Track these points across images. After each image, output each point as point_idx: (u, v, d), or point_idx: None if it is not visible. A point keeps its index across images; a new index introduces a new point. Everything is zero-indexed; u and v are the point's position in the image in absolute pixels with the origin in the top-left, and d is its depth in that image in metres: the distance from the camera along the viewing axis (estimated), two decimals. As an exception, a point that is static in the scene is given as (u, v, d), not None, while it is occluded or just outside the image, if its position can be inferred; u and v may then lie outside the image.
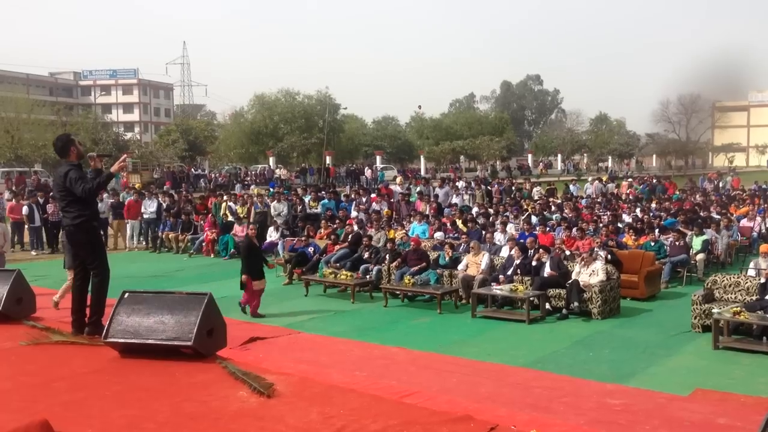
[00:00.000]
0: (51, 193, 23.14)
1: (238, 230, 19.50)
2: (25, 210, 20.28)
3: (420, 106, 77.32)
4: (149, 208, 20.89)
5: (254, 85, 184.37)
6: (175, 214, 21.10)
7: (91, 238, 6.89)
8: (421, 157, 64.78)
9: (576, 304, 11.57)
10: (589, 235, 15.82)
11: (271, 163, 55.34)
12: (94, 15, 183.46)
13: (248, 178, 50.40)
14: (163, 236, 20.58)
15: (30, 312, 7.59)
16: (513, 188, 29.97)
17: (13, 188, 28.68)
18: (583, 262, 12.30)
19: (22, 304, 7.47)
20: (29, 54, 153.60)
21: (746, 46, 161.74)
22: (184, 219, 20.75)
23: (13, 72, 78.84)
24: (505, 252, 14.29)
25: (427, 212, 20.58)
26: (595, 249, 13.64)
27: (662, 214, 20.44)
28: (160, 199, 22.29)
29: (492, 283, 12.50)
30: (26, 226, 20.70)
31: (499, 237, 16.25)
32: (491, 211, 21.26)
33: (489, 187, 30.23)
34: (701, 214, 19.79)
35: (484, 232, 16.37)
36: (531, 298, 11.62)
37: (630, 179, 37.65)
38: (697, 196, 27.16)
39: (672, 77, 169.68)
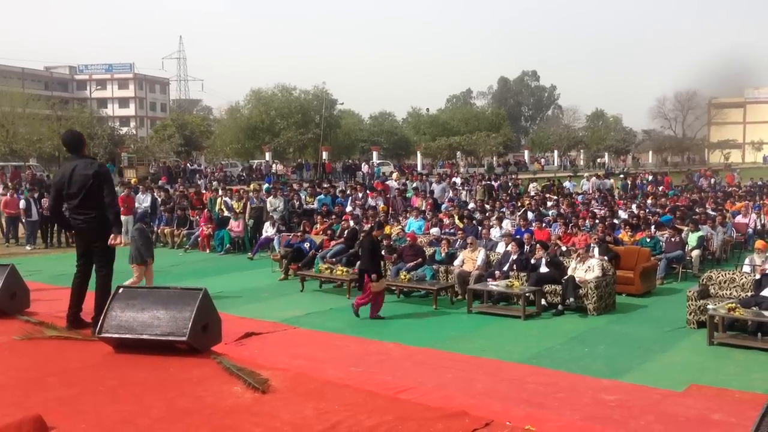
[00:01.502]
0: (46, 188, 23.09)
1: (234, 225, 19.49)
2: (22, 204, 20.24)
3: (428, 109, 78.76)
4: (143, 203, 20.84)
5: (251, 80, 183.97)
6: (170, 209, 21.06)
7: (106, 235, 6.90)
8: (418, 152, 64.75)
9: (572, 299, 11.58)
10: (585, 231, 15.84)
11: (267, 158, 55.26)
12: (90, 8, 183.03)
13: (244, 174, 50.54)
14: (159, 231, 20.54)
15: (24, 307, 7.56)
16: (510, 184, 30.02)
17: (8, 183, 28.64)
18: (578, 258, 12.32)
19: (15, 299, 7.44)
20: (24, 48, 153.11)
21: (747, 44, 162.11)
22: (179, 214, 20.71)
23: (8, 66, 78.60)
24: (501, 248, 14.30)
25: (423, 208, 20.58)
26: (591, 245, 13.67)
27: (658, 210, 20.50)
28: (155, 194, 22.23)
29: (488, 279, 12.50)
30: (23, 220, 20.65)
31: (495, 233, 16.25)
32: (488, 206, 21.29)
33: (490, 182, 30.26)
34: (697, 210, 19.84)
35: (480, 228, 16.37)
36: (527, 294, 11.61)
37: (622, 175, 37.74)
38: (693, 192, 27.26)
39: (671, 74, 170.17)
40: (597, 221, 17.18)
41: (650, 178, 35.41)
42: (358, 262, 12.27)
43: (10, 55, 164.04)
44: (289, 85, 59.68)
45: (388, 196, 24.04)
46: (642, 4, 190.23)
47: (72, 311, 6.86)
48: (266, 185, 28.18)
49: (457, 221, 18.04)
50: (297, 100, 58.54)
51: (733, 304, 9.74)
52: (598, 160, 73.69)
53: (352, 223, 17.93)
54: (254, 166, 54.08)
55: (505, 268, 12.84)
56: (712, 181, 35.37)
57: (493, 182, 31.10)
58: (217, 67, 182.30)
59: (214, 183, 33.95)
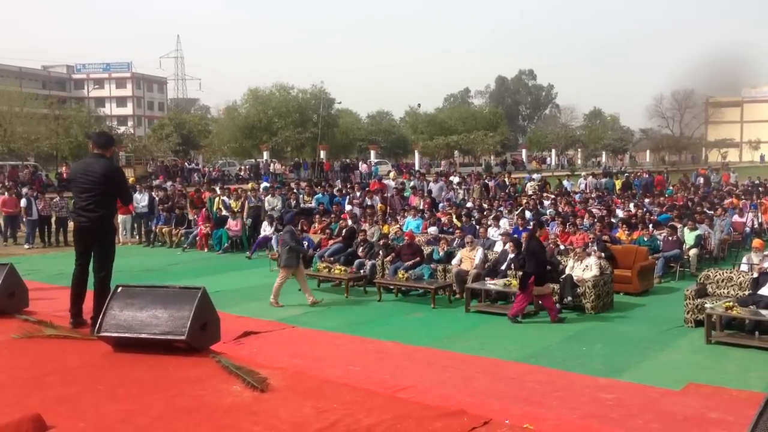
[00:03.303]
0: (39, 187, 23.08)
1: (232, 224, 19.48)
2: (23, 202, 20.25)
3: (419, 104, 79.10)
4: (140, 202, 20.81)
5: (248, 79, 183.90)
6: (168, 208, 21.05)
7: (110, 238, 7.03)
8: (416, 151, 64.77)
9: (569, 298, 11.59)
10: (583, 229, 15.85)
11: (265, 157, 55.19)
12: (88, 8, 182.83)
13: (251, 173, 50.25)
14: (157, 230, 20.54)
15: (22, 306, 7.55)
16: (507, 183, 30.03)
17: (6, 182, 28.60)
18: (576, 257, 12.32)
19: (14, 298, 7.44)
20: (22, 47, 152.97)
21: (744, 43, 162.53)
22: (177, 213, 20.70)
23: (5, 65, 78.49)
24: (498, 246, 14.30)
25: (421, 207, 20.58)
26: (589, 244, 13.68)
27: (656, 209, 20.53)
28: (153, 192, 22.21)
29: (486, 278, 12.51)
30: (24, 219, 20.65)
31: (492, 232, 16.26)
32: (485, 205, 21.30)
33: (486, 181, 30.22)
34: (696, 209, 19.88)
35: (478, 227, 16.38)
36: (525, 293, 11.60)
37: (627, 174, 37.81)
38: (691, 191, 27.31)
39: (668, 73, 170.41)
40: (595, 220, 17.19)
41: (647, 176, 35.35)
42: (522, 265, 11.51)
43: (8, 54, 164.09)
44: (287, 85, 59.64)
45: (385, 195, 24.05)
46: (639, 3, 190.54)
47: (74, 309, 6.88)
48: (264, 184, 28.17)
49: (455, 220, 18.05)
50: (295, 99, 58.44)
51: (731, 303, 9.76)
52: (593, 159, 73.78)
53: (350, 222, 17.94)
54: (260, 165, 53.63)
55: (503, 267, 12.85)
56: (709, 177, 35.44)
57: (488, 182, 31.02)
58: (215, 66, 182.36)
59: (205, 185, 33.79)
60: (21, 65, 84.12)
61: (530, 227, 13.61)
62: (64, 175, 36.13)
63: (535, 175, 35.51)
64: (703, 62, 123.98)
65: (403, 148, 70.49)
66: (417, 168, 51.94)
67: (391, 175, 33.80)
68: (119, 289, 6.08)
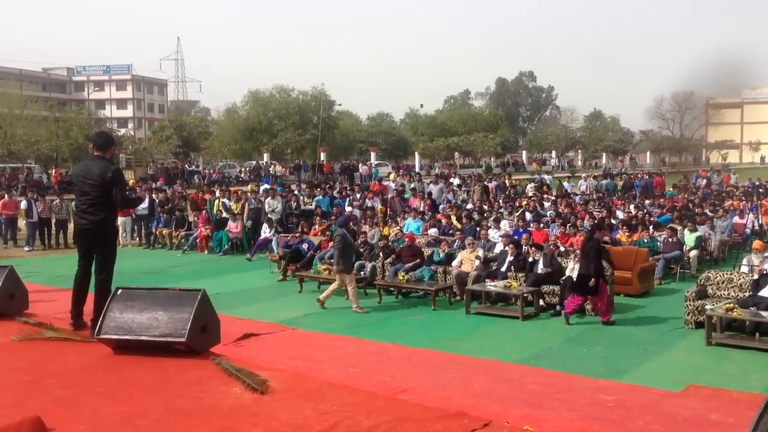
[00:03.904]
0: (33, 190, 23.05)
1: (232, 226, 19.49)
2: (23, 204, 20.27)
3: (422, 105, 79.20)
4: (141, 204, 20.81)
5: (249, 81, 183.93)
6: (168, 210, 21.05)
7: (111, 240, 7.04)
8: (416, 153, 64.83)
9: (570, 300, 11.57)
10: (583, 231, 15.83)
11: (265, 159, 55.26)
12: (88, 10, 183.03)
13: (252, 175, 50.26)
14: (157, 232, 20.54)
15: (23, 308, 7.55)
16: (508, 185, 30.03)
17: (6, 184, 28.62)
18: (576, 259, 12.31)
19: (14, 300, 7.43)
20: (22, 49, 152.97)
21: (744, 44, 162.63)
22: (177, 215, 20.70)
23: (5, 67, 78.53)
24: (499, 248, 14.30)
25: (421, 209, 20.56)
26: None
27: (656, 210, 20.53)
28: (153, 194, 22.23)
29: (486, 280, 12.50)
30: (24, 221, 20.68)
31: (492, 233, 16.26)
32: (486, 207, 21.30)
33: (486, 183, 30.25)
34: (696, 210, 19.87)
35: (478, 229, 16.38)
36: (525, 295, 11.62)
37: (626, 176, 37.84)
38: (691, 192, 27.32)
39: (668, 75, 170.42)
40: (596, 222, 17.18)
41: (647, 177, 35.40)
42: (578, 267, 11.28)
43: (8, 56, 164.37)
44: (287, 86, 59.78)
45: (385, 196, 24.03)
46: (639, 5, 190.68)
47: (75, 310, 6.89)
48: (264, 186, 28.18)
49: (455, 222, 18.04)
50: (295, 101, 58.56)
51: (731, 305, 9.76)
52: (593, 161, 73.81)
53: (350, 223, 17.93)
54: (262, 166, 53.47)
55: (503, 269, 12.85)
56: (711, 178, 35.48)
57: (488, 183, 31.04)
58: (215, 68, 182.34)
59: (205, 187, 33.84)
60: (21, 67, 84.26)
61: (589, 229, 13.28)
62: (56, 179, 36.20)
63: (545, 176, 35.50)
64: (704, 63, 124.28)
65: (404, 149, 70.57)
66: (417, 170, 51.97)
67: (392, 176, 33.75)
68: (119, 291, 6.08)
